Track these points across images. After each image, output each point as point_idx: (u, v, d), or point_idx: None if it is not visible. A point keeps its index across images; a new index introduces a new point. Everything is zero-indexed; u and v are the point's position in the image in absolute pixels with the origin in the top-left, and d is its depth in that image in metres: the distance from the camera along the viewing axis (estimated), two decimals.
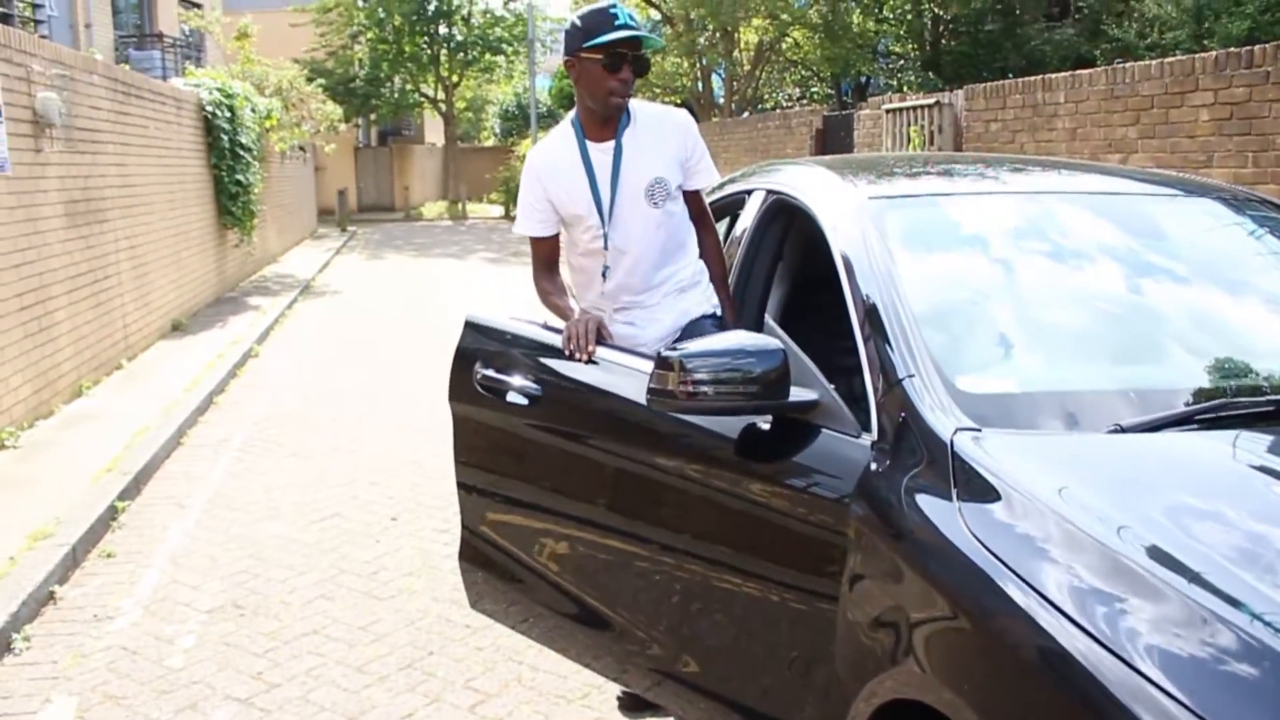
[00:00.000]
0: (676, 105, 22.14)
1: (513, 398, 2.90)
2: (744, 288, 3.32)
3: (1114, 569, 1.62)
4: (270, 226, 17.61)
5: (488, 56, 33.80)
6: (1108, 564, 1.63)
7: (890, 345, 2.28)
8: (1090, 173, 3.29)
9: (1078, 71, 7.86)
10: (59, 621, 4.01)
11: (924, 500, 1.97)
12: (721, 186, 4.05)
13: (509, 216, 30.39)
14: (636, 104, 3.06)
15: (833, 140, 12.28)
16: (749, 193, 3.56)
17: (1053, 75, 8.06)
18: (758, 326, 3.35)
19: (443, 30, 32.44)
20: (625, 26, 2.87)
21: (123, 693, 3.43)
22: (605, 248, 2.99)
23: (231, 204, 13.16)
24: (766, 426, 2.40)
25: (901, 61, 20.77)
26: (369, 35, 31.08)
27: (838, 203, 2.85)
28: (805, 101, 22.74)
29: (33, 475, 5.61)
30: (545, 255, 3.10)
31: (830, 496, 2.22)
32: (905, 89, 18.13)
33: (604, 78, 2.88)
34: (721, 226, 4.64)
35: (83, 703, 3.38)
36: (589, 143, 2.99)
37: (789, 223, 3.34)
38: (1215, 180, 3.32)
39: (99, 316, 8.16)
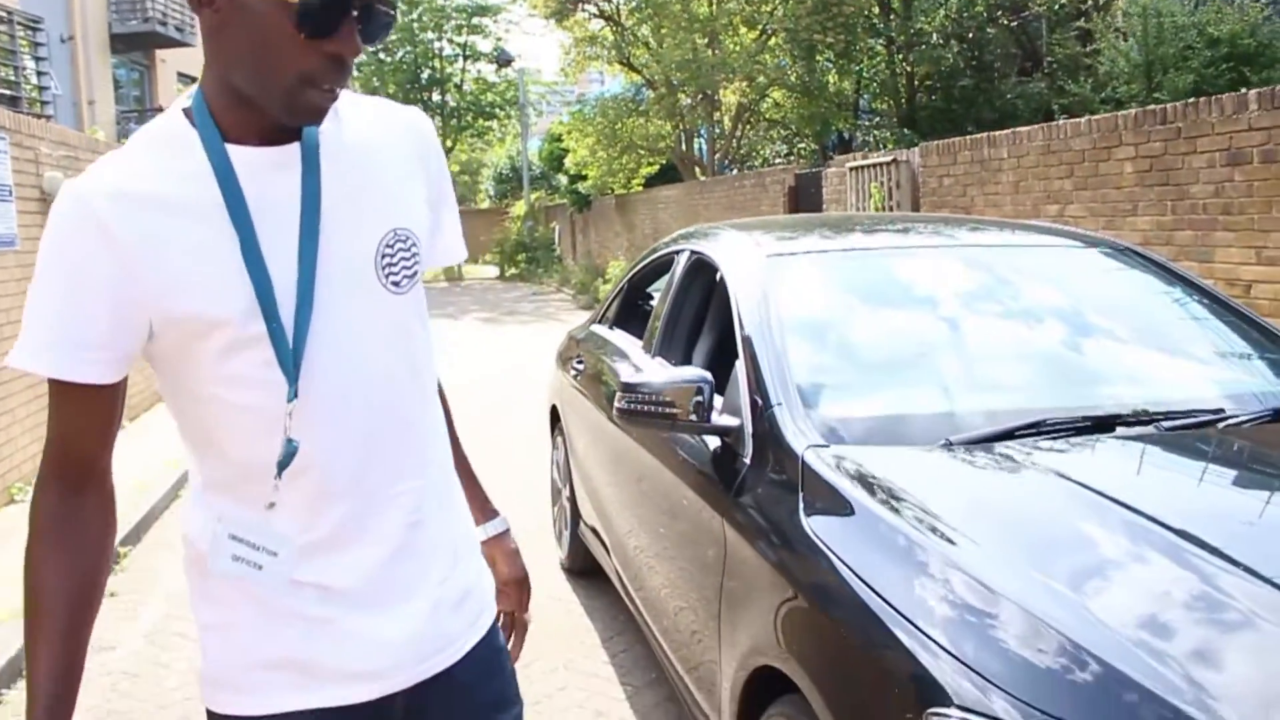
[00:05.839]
0: (663, 165, 22.88)
1: None
2: (670, 336, 3.77)
3: (914, 554, 2.03)
4: None
5: (480, 122, 34.65)
6: (910, 549, 2.05)
7: (766, 380, 2.73)
8: (964, 227, 3.74)
9: (1017, 129, 8.38)
10: None
11: (776, 502, 2.40)
12: (656, 250, 4.54)
13: (504, 277, 30.97)
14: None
15: (804, 196, 12.82)
16: (679, 253, 4.04)
17: (996, 133, 8.59)
18: None
19: (436, 97, 33.30)
20: None
21: (124, 709, 3.84)
22: (293, 396, 1.28)
23: None
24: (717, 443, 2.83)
25: (879, 119, 21.39)
26: None
27: (741, 261, 3.32)
28: (792, 158, 23.37)
29: None
30: (80, 438, 1.32)
31: (720, 498, 2.69)
32: (883, 145, 18.71)
33: (292, 42, 1.21)
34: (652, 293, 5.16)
35: (87, 719, 3.78)
36: (235, 148, 1.28)
37: (710, 279, 3.80)
38: (1080, 230, 3.79)
39: None
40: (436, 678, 1.43)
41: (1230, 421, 2.64)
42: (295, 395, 1.28)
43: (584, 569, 4.91)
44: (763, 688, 2.30)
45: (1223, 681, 1.62)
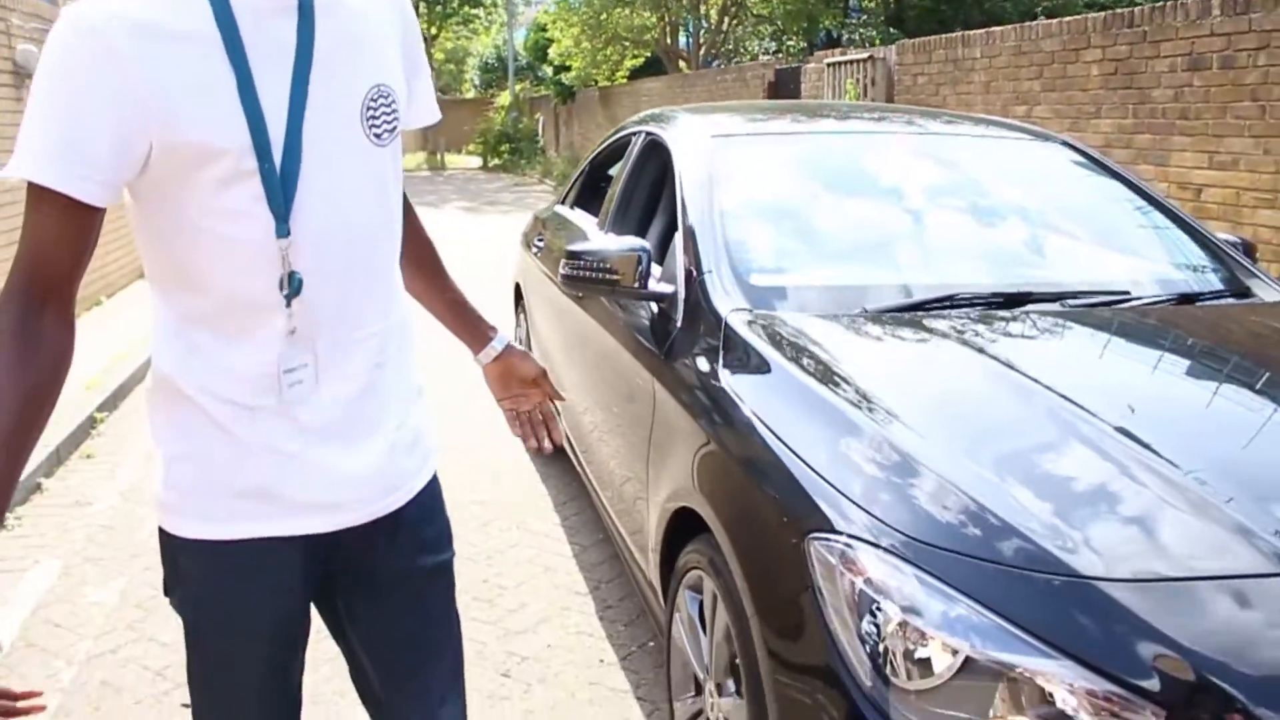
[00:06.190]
0: (647, 58, 22.66)
1: None
2: (622, 214, 3.93)
3: (818, 405, 2.23)
4: None
5: (466, 9, 34.13)
6: (815, 401, 2.25)
7: (700, 249, 2.90)
8: (907, 116, 3.88)
9: (991, 29, 8.42)
10: (46, 506, 4.63)
11: (700, 361, 2.60)
12: (619, 131, 4.67)
13: (487, 167, 30.80)
14: None
15: (783, 92, 12.83)
16: (636, 135, 4.17)
17: (970, 32, 8.63)
18: None
19: None
20: None
21: (100, 556, 4.06)
22: (284, 233, 1.34)
23: None
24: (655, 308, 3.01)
25: (867, 17, 21.17)
26: None
27: (689, 140, 3.47)
28: (780, 55, 23.16)
29: None
30: (55, 257, 1.32)
31: (653, 359, 2.88)
32: (870, 44, 18.57)
33: None
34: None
35: (67, 564, 4.01)
36: None
37: (662, 160, 3.94)
38: (1023, 124, 3.93)
39: None
40: (387, 516, 1.52)
41: (1135, 303, 2.84)
42: (288, 233, 1.34)
43: None
44: (682, 532, 2.52)
45: (1099, 536, 1.75)
